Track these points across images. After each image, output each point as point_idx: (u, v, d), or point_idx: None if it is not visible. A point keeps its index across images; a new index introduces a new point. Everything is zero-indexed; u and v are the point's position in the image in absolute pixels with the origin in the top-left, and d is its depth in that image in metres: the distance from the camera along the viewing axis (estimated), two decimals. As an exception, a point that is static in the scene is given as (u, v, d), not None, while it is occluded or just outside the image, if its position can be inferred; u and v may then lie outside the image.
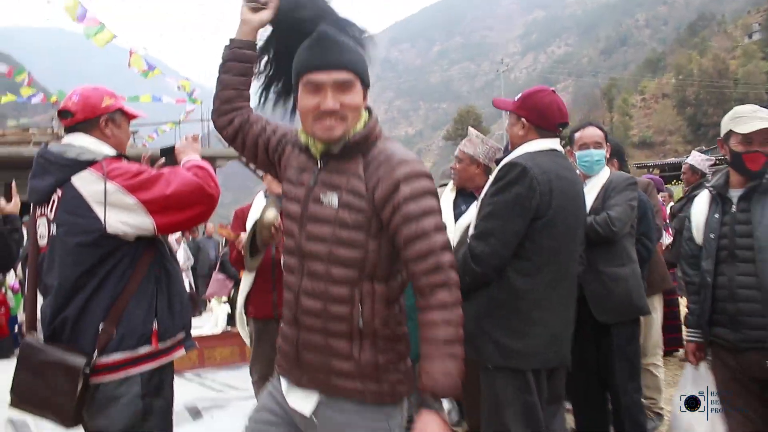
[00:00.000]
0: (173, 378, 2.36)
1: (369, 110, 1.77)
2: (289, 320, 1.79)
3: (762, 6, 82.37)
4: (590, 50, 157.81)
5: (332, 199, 1.67)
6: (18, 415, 3.35)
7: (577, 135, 3.45)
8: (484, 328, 2.45)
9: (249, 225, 3.64)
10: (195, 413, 4.87)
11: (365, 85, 1.72)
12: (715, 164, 5.80)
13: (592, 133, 3.40)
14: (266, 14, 1.89)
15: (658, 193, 7.02)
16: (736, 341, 2.62)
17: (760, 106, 2.71)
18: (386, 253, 1.67)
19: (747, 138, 2.62)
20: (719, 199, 2.76)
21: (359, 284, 1.66)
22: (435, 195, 1.67)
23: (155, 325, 2.21)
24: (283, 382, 1.81)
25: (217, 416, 4.78)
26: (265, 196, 3.81)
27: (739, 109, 2.76)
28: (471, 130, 3.74)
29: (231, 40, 1.92)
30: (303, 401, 1.75)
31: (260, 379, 3.74)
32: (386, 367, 1.68)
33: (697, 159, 5.56)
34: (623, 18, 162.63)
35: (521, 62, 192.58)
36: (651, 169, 32.16)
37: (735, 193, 2.71)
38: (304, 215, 1.73)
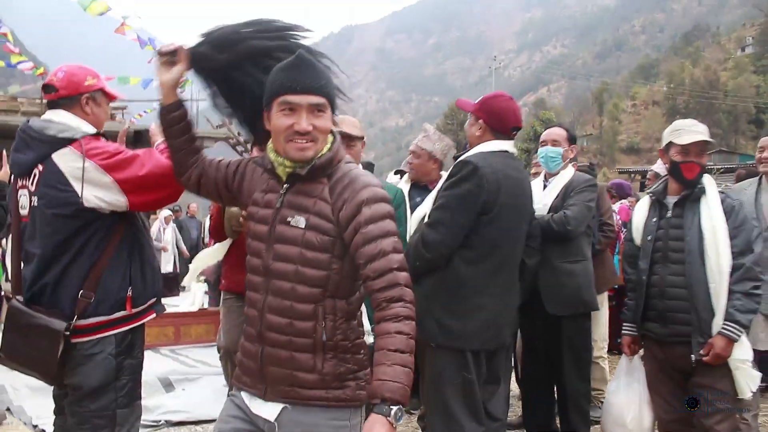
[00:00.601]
0: (143, 340, 2.55)
1: (333, 134, 1.85)
2: (252, 336, 1.84)
3: (757, 20, 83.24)
4: (585, 53, 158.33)
5: (299, 220, 1.75)
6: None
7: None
8: (430, 310, 2.66)
9: None
10: (167, 385, 5.04)
11: (333, 110, 1.82)
12: None
13: (553, 131, 3.67)
14: (177, 70, 1.96)
15: (626, 198, 7.31)
16: (664, 335, 2.87)
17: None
18: (348, 272, 1.77)
19: (685, 149, 2.85)
20: (657, 204, 3.00)
21: (323, 301, 1.76)
22: (393, 218, 1.81)
23: (129, 292, 2.40)
24: (245, 396, 1.86)
25: (188, 389, 4.95)
26: None
27: (678, 123, 3.00)
28: (428, 126, 3.93)
29: (159, 108, 2.00)
30: (267, 409, 1.82)
31: (225, 353, 3.79)
32: (347, 376, 1.81)
33: (661, 167, 5.78)
34: (621, 23, 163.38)
35: (516, 60, 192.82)
36: (633, 175, 32.56)
37: (671, 200, 2.94)
38: (271, 236, 1.79)
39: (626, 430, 3.06)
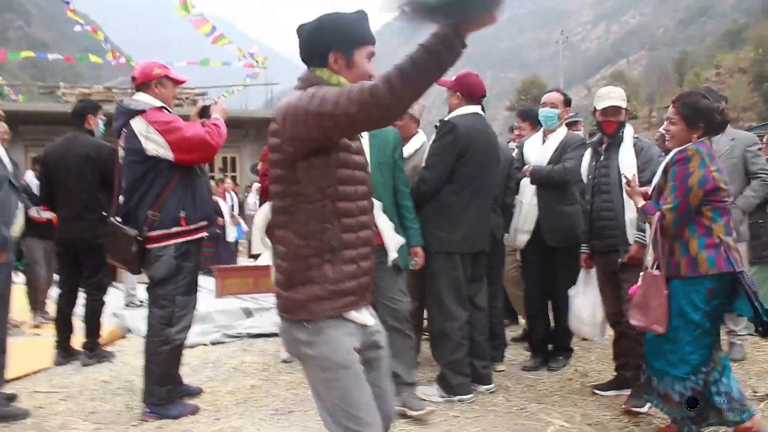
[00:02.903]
0: (199, 249, 3.67)
1: None
2: (366, 255, 2.00)
3: None
4: (667, 20, 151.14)
5: None
6: None
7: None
8: (428, 227, 3.76)
9: None
10: (248, 313, 6.41)
11: None
12: None
13: (551, 95, 4.49)
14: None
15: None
16: (601, 247, 3.84)
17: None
18: None
19: (603, 111, 3.78)
20: (594, 152, 3.94)
21: None
22: None
23: (183, 213, 3.53)
24: (353, 314, 1.96)
25: (264, 315, 6.26)
26: None
27: (600, 91, 3.92)
28: None
29: None
30: (368, 315, 2.04)
31: None
32: None
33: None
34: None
35: (593, 32, 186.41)
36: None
37: (602, 148, 3.88)
38: (367, 163, 2.06)
39: (584, 325, 4.03)
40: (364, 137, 3.53)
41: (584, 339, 4.82)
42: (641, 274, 3.18)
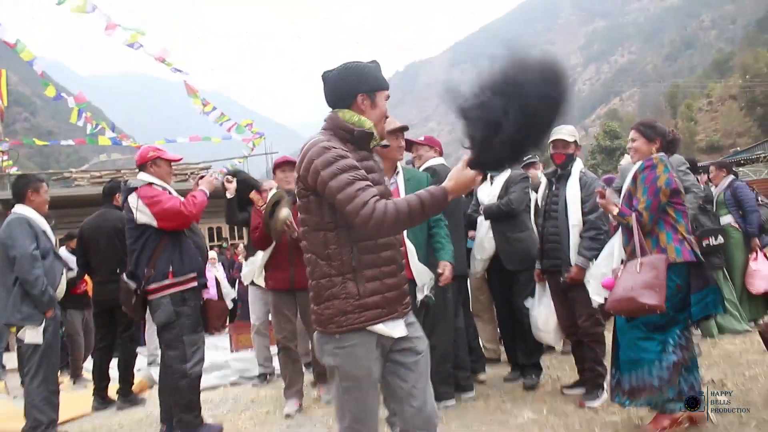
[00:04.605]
0: (196, 298, 4.19)
1: None
2: (393, 271, 2.23)
3: (831, -2, 79.25)
4: (654, 57, 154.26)
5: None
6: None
7: None
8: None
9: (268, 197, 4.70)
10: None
11: None
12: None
13: None
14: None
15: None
16: (549, 266, 4.45)
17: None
18: None
19: (554, 144, 4.41)
20: (549, 181, 4.57)
21: None
22: None
23: (171, 268, 4.10)
24: (380, 328, 2.16)
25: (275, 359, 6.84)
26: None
27: (554, 128, 4.49)
28: None
29: None
30: (400, 327, 2.24)
31: (283, 348, 4.78)
32: None
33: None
34: (687, 21, 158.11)
35: (584, 74, 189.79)
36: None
37: (554, 179, 4.52)
38: (389, 192, 2.32)
39: (541, 331, 4.62)
40: (400, 177, 4.08)
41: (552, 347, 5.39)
42: (642, 260, 3.34)
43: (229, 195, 4.50)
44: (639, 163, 3.62)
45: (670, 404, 3.36)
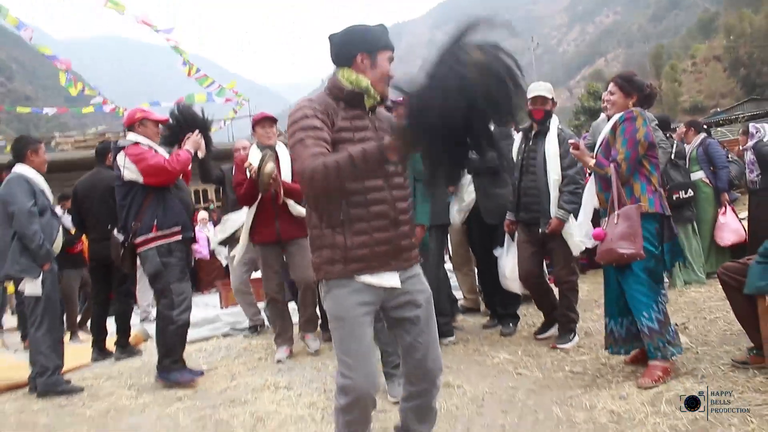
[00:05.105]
0: (182, 249, 4.43)
1: None
2: (384, 226, 2.24)
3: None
4: (640, 17, 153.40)
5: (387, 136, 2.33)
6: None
7: None
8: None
9: (252, 158, 4.76)
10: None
11: None
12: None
13: None
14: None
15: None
16: (526, 219, 4.65)
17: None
18: None
19: (532, 101, 4.52)
20: (524, 137, 4.71)
21: None
22: None
23: (155, 222, 4.31)
24: (366, 278, 2.23)
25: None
26: (258, 147, 4.92)
27: (531, 85, 4.47)
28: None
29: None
30: (394, 279, 2.28)
31: (271, 300, 4.98)
32: None
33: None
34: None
35: (569, 34, 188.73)
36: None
37: (531, 134, 4.66)
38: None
39: (507, 279, 4.87)
40: None
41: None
42: (618, 212, 3.48)
43: (200, 155, 4.60)
44: (619, 115, 3.66)
45: (669, 348, 3.46)
